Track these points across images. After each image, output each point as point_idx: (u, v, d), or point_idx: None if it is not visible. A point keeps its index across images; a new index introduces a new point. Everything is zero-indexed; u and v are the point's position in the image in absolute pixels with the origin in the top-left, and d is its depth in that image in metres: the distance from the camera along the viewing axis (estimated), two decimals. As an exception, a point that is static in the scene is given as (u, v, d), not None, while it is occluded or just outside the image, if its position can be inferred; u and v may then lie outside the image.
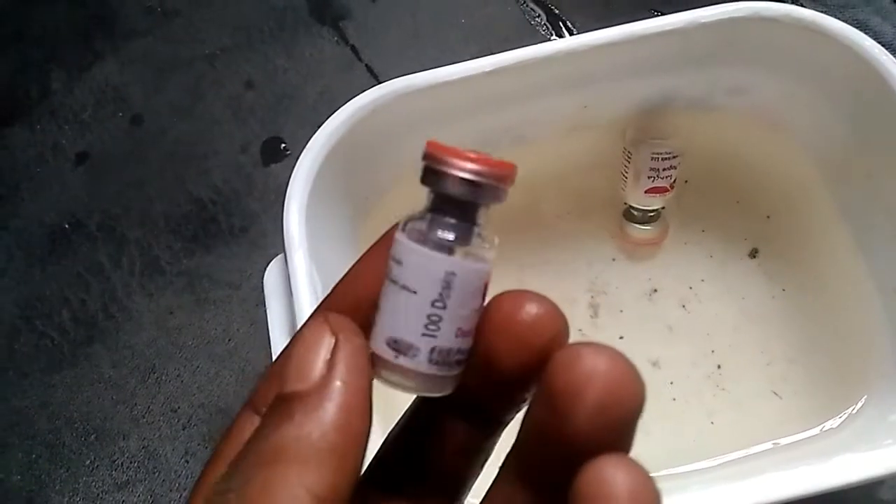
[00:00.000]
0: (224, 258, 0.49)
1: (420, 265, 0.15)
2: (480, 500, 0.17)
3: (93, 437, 0.45)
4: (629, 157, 0.41)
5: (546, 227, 0.45)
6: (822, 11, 0.34)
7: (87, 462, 0.44)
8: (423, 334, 0.15)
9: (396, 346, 0.15)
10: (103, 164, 0.53)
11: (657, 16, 0.35)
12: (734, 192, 0.45)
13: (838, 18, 0.34)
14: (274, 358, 0.33)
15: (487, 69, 0.34)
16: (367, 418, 0.15)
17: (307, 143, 0.34)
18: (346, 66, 0.54)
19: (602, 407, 0.13)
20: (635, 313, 0.43)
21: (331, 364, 0.15)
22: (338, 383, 0.14)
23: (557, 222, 0.45)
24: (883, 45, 0.34)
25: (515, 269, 0.44)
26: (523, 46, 0.35)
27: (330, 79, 0.54)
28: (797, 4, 0.48)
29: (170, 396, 0.45)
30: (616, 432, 0.14)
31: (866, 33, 0.34)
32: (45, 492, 0.43)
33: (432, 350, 0.15)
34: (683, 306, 0.43)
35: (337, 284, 0.18)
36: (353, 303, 0.17)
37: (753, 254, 0.44)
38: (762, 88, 0.39)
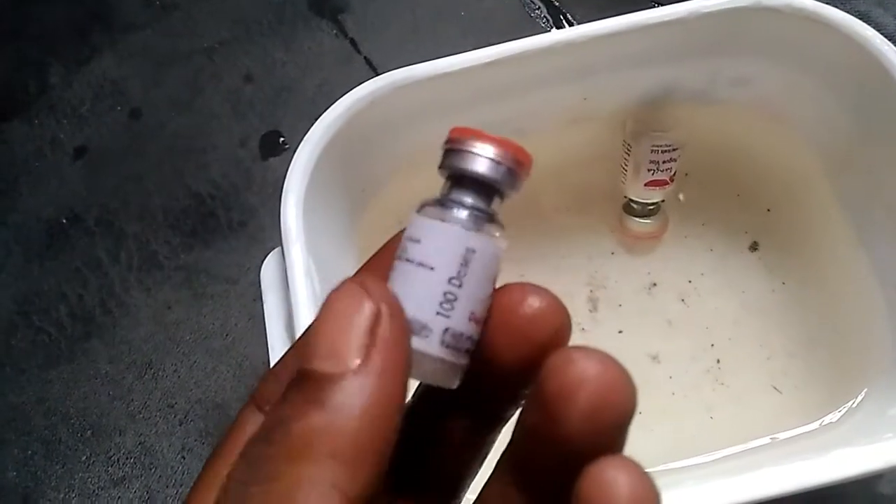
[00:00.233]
0: (222, 253, 0.49)
1: (440, 240, 0.15)
2: (474, 499, 0.16)
3: (89, 433, 0.44)
4: (629, 150, 0.41)
5: (545, 220, 0.45)
6: (824, 2, 0.34)
7: (84, 458, 0.44)
8: (438, 313, 0.15)
9: (409, 326, 0.14)
10: (102, 158, 0.52)
11: (658, 6, 0.34)
12: (735, 185, 0.44)
13: (840, 9, 0.34)
14: (271, 352, 0.33)
15: (486, 60, 0.34)
16: (403, 410, 0.13)
17: (305, 136, 0.33)
18: (345, 60, 0.54)
19: (594, 410, 0.13)
20: (635, 307, 0.43)
21: (370, 346, 0.13)
22: (378, 371, 0.13)
23: (556, 216, 0.45)
24: (885, 36, 0.34)
25: (514, 262, 0.44)
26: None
27: (329, 72, 0.54)
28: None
29: (167, 392, 0.45)
30: (608, 435, 0.14)
31: (868, 24, 0.34)
32: (41, 488, 0.43)
33: (445, 331, 0.15)
34: (683, 300, 0.43)
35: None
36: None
37: (754, 247, 0.44)
38: (763, 80, 0.38)
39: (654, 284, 0.44)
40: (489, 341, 0.15)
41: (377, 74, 0.34)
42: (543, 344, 0.15)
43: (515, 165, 0.16)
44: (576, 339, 0.15)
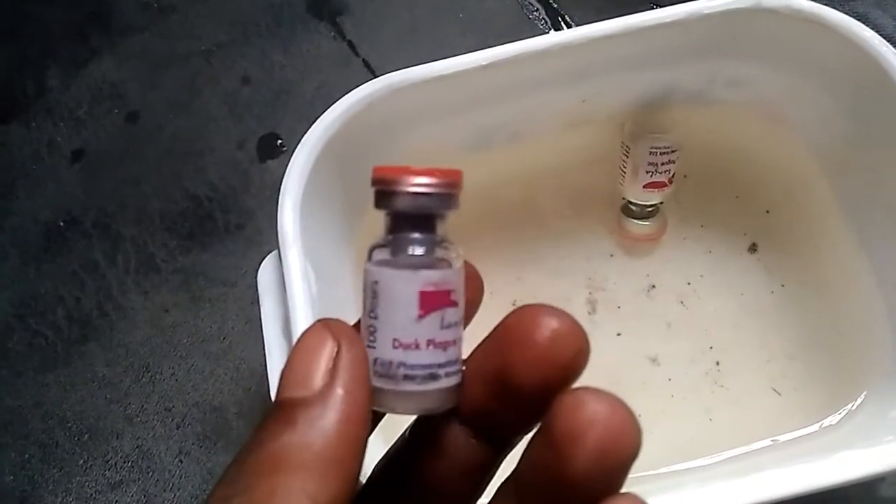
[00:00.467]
0: (220, 255, 0.48)
1: (363, 282, 0.16)
2: None
3: (86, 436, 0.44)
4: (627, 152, 0.41)
5: (543, 222, 0.45)
6: (822, 3, 0.34)
7: (81, 462, 0.44)
8: (368, 345, 0.15)
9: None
10: (99, 161, 0.52)
11: (657, 8, 0.34)
12: (733, 187, 0.44)
13: (839, 10, 0.34)
14: (268, 355, 0.32)
15: (484, 63, 0.34)
16: (368, 427, 0.15)
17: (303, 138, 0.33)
18: (343, 62, 0.54)
19: (601, 452, 0.14)
20: (633, 309, 0.43)
21: (333, 372, 0.15)
22: (340, 391, 0.14)
23: (555, 218, 0.45)
24: (883, 38, 0.33)
25: (513, 265, 0.44)
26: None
27: (327, 74, 0.54)
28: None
29: (164, 395, 0.45)
30: (612, 475, 0.14)
31: (867, 25, 0.34)
32: (38, 492, 0.43)
33: (374, 361, 0.15)
34: (682, 302, 0.43)
35: None
36: None
37: (753, 249, 0.44)
38: (762, 81, 0.38)
39: (653, 286, 0.43)
40: (506, 362, 0.15)
41: (375, 77, 0.34)
42: (564, 366, 0.15)
43: (441, 189, 0.16)
44: (574, 341, 0.15)
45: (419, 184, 0.15)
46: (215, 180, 0.51)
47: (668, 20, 0.34)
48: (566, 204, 0.45)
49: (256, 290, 0.34)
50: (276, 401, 0.15)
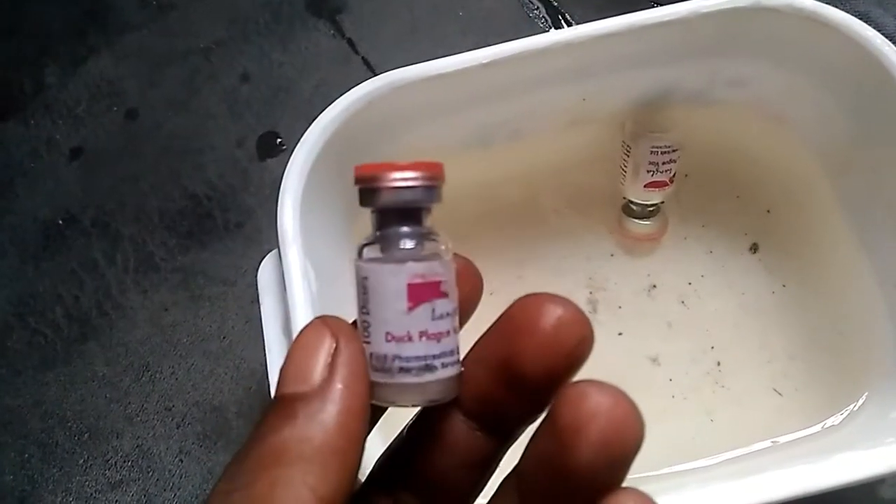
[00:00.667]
0: (219, 254, 0.48)
1: (355, 279, 0.16)
2: None
3: (86, 435, 0.44)
4: (628, 151, 0.40)
5: (544, 222, 0.45)
6: (824, 2, 0.34)
7: (81, 461, 0.44)
8: (364, 341, 0.16)
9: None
10: (98, 159, 0.52)
11: (657, 6, 0.34)
12: (734, 187, 0.44)
13: (840, 9, 0.34)
14: (268, 354, 0.32)
15: (484, 61, 0.34)
16: (366, 420, 0.15)
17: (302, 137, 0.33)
18: (342, 60, 0.54)
19: (604, 443, 0.14)
20: (634, 309, 0.43)
21: (332, 367, 0.15)
22: (339, 386, 0.15)
23: (555, 217, 0.45)
24: (885, 37, 0.33)
25: (513, 264, 0.44)
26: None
27: (326, 72, 0.54)
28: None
29: (164, 394, 0.45)
30: (615, 467, 0.14)
31: (868, 24, 0.34)
32: (38, 491, 0.43)
33: (370, 356, 0.16)
34: (683, 302, 0.43)
35: None
36: None
37: (754, 249, 0.43)
38: (763, 80, 0.38)
39: (654, 286, 0.43)
40: (511, 351, 0.16)
41: (375, 75, 0.34)
42: (569, 353, 0.15)
43: (422, 182, 0.16)
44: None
45: (399, 178, 0.15)
46: (214, 178, 0.51)
47: (668, 19, 0.34)
48: (567, 203, 0.45)
49: (256, 288, 0.34)
50: (275, 396, 0.15)
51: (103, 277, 0.48)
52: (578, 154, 0.43)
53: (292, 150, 0.33)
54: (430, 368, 0.15)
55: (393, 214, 0.16)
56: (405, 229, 0.16)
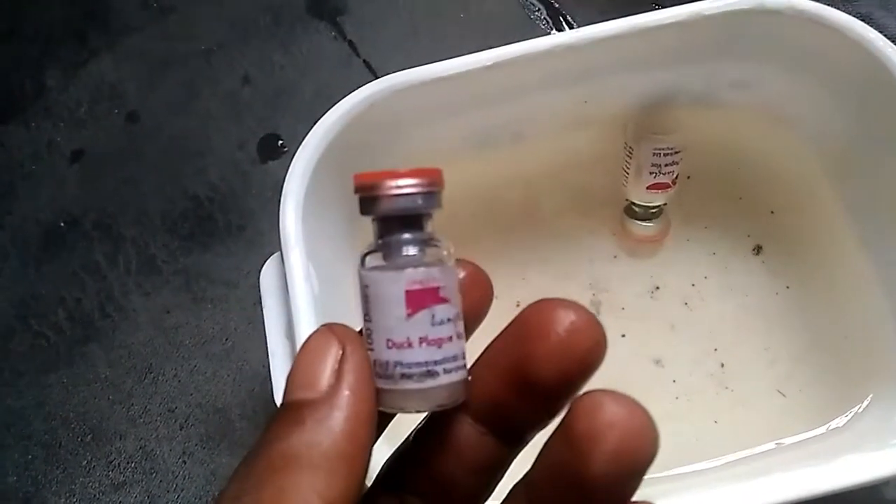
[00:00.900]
0: (221, 256, 0.48)
1: (359, 287, 0.16)
2: None
3: (89, 437, 0.44)
4: (630, 153, 0.40)
5: (546, 224, 0.45)
6: (825, 4, 0.34)
7: (84, 463, 0.44)
8: (368, 349, 0.16)
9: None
10: (99, 161, 0.52)
11: (659, 9, 0.34)
12: (737, 188, 0.44)
13: (842, 11, 0.34)
14: (270, 357, 0.32)
15: (486, 63, 0.34)
16: (374, 427, 0.15)
17: (304, 139, 0.33)
18: (343, 62, 0.54)
19: (619, 454, 0.14)
20: (637, 311, 0.43)
21: (339, 374, 0.15)
22: (346, 392, 0.15)
23: (558, 220, 0.45)
24: (887, 38, 0.33)
25: (516, 266, 0.44)
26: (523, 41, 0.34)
27: (327, 75, 0.53)
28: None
29: (167, 396, 0.45)
30: (629, 478, 0.14)
31: (870, 26, 0.33)
32: (42, 493, 0.43)
33: (374, 363, 0.16)
34: (686, 304, 0.43)
35: None
36: None
37: (757, 250, 0.43)
38: (765, 82, 0.38)
39: (657, 288, 0.43)
40: (524, 356, 0.16)
41: (376, 77, 0.34)
42: (582, 358, 0.15)
43: (421, 188, 0.16)
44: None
45: (399, 186, 0.16)
46: (216, 181, 0.51)
47: (670, 21, 0.34)
48: (569, 205, 0.45)
49: (258, 291, 0.34)
50: (283, 402, 0.15)
51: (105, 280, 0.48)
52: (580, 156, 0.43)
53: (293, 153, 0.33)
54: (431, 374, 0.15)
55: (393, 222, 0.16)
56: (406, 236, 0.16)
